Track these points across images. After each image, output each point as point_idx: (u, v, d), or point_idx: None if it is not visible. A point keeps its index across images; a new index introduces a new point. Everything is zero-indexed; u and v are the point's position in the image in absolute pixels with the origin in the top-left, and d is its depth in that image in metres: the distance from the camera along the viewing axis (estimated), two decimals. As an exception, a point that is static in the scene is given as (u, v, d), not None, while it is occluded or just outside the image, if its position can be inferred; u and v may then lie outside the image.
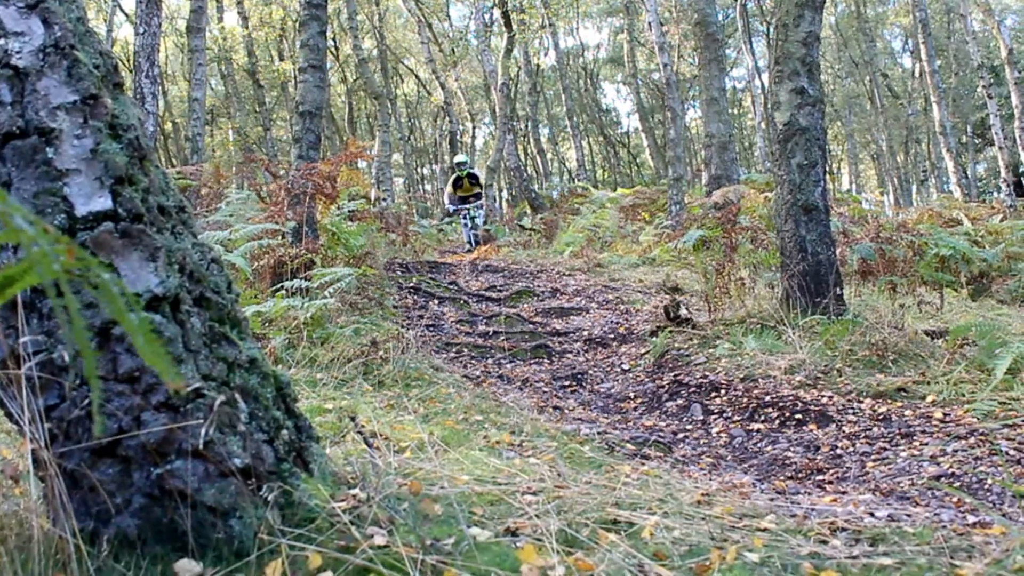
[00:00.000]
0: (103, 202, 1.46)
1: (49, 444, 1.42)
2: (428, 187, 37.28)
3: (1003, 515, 2.38)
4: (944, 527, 1.90)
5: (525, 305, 7.13)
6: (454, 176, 13.97)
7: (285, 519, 1.53)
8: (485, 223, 15.62)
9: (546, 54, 31.11)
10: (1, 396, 1.45)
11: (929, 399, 3.66)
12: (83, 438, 1.44)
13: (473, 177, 13.88)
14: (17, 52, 1.46)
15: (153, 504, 1.45)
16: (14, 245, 1.43)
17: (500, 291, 7.61)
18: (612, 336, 5.91)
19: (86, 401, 1.43)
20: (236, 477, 1.48)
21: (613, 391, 4.66)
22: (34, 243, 0.75)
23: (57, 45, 1.49)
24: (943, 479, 2.78)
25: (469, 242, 13.87)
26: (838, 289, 4.94)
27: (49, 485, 1.44)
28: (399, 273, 8.05)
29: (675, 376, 4.61)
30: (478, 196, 13.99)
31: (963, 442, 3.07)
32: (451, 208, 14.05)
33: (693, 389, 4.34)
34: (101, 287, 0.81)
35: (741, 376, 4.29)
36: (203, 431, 1.44)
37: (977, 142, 28.63)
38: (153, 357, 0.81)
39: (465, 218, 13.88)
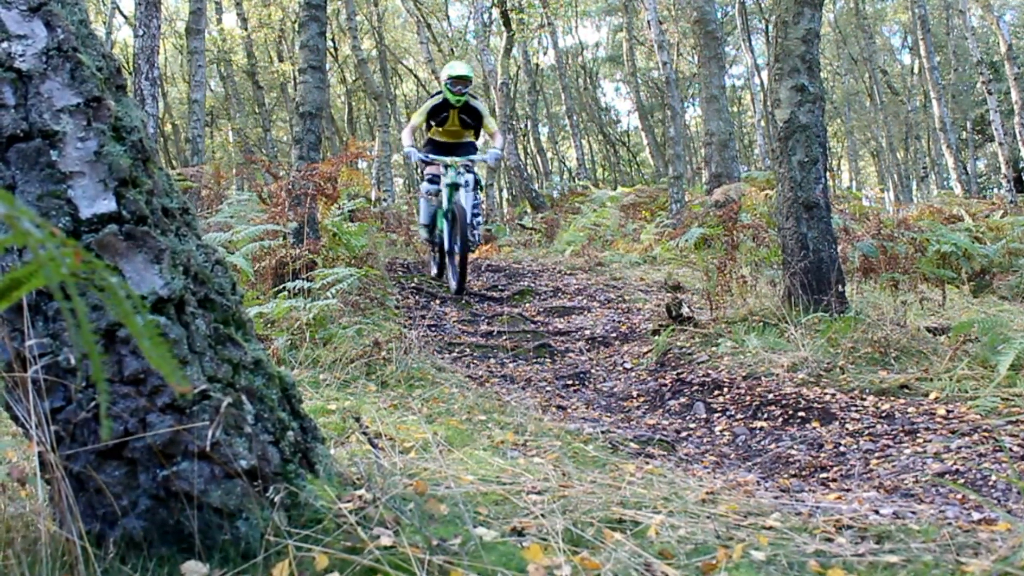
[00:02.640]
0: (107, 204, 1.46)
1: (55, 446, 1.43)
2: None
3: (1008, 511, 2.38)
4: (949, 524, 1.90)
5: (527, 304, 7.13)
6: (436, 101, 7.28)
7: (291, 520, 1.54)
8: (485, 222, 12.48)
9: (545, 53, 31.12)
10: (7, 399, 1.45)
11: (932, 396, 3.66)
12: (89, 440, 1.44)
13: (472, 113, 7.31)
14: (20, 55, 1.46)
15: (159, 506, 1.45)
16: (19, 247, 1.43)
17: (502, 291, 7.62)
18: (614, 335, 5.91)
19: (92, 403, 1.43)
20: (242, 478, 1.48)
21: (616, 390, 4.66)
22: (41, 246, 0.75)
23: (60, 48, 1.49)
24: (947, 476, 2.78)
25: (434, 242, 7.34)
26: (840, 286, 4.94)
27: (55, 487, 1.44)
28: (400, 273, 8.06)
29: (678, 374, 4.61)
30: (471, 151, 7.48)
31: (967, 439, 3.07)
32: (413, 153, 7.00)
33: (696, 387, 4.34)
34: (108, 290, 0.81)
35: (744, 374, 4.29)
36: (209, 433, 1.44)
37: (977, 138, 28.62)
38: (160, 360, 0.81)
39: (434, 181, 6.98)
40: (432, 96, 7.43)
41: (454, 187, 6.80)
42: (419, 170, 7.36)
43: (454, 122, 7.34)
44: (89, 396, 1.43)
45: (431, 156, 7.00)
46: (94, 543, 1.44)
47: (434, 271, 7.85)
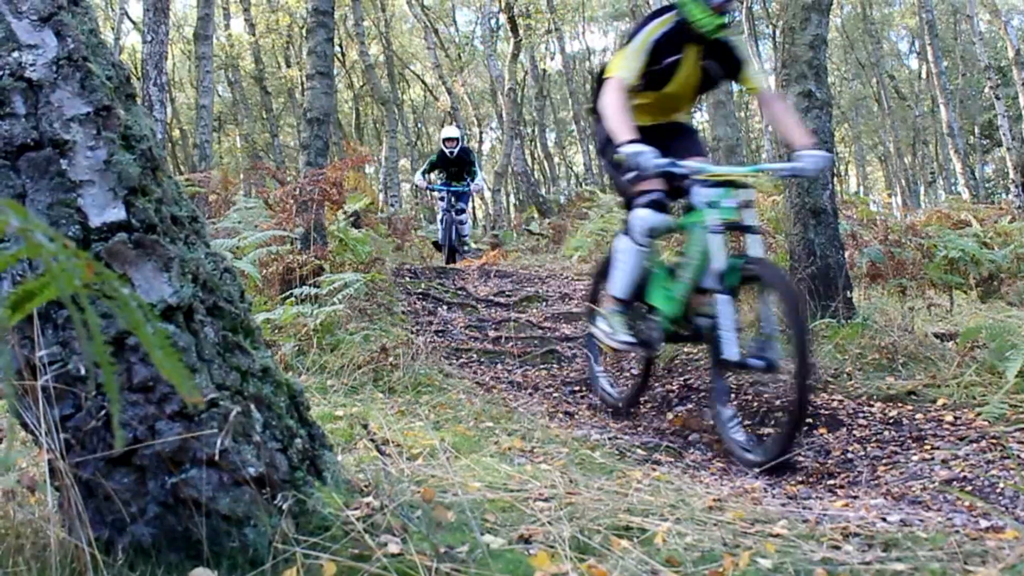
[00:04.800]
0: (117, 213, 1.47)
1: (65, 454, 1.44)
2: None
3: (1016, 519, 2.37)
4: (957, 531, 1.89)
5: (534, 310, 7.12)
6: (664, 29, 3.52)
7: (299, 527, 1.54)
8: (492, 227, 12.66)
9: (552, 58, 31.14)
10: (18, 406, 1.46)
11: (940, 402, 3.64)
12: (98, 448, 1.45)
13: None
14: (31, 64, 1.47)
15: (168, 513, 1.46)
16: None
17: (509, 296, 7.61)
18: (621, 340, 5.89)
19: (102, 411, 1.44)
20: (250, 486, 1.49)
21: (623, 396, 4.65)
22: (53, 258, 0.76)
23: (70, 57, 1.50)
24: (955, 483, 2.77)
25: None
26: (847, 292, 4.93)
27: (65, 494, 1.45)
28: (407, 279, 8.06)
29: (685, 380, 4.60)
30: (695, 140, 3.95)
31: (974, 445, 3.06)
32: (647, 156, 3.17)
33: (703, 393, 4.34)
34: (119, 300, 0.82)
35: (750, 380, 4.28)
36: (218, 440, 1.45)
37: (985, 143, 28.51)
38: (171, 370, 0.82)
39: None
40: (647, 21, 3.67)
41: (735, 228, 3.43)
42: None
43: (689, 76, 3.74)
44: (99, 404, 1.44)
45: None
46: (103, 550, 1.44)
47: (612, 395, 4.33)
